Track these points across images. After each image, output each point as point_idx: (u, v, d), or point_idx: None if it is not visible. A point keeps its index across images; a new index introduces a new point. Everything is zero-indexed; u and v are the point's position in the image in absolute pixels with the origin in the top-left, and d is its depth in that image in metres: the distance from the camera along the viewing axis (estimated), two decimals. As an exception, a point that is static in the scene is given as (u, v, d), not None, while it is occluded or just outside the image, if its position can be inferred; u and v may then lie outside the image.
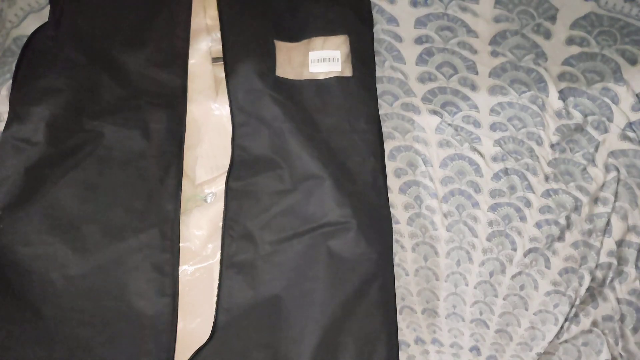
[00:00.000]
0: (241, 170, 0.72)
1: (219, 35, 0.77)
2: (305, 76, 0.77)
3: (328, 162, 0.70)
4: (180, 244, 0.69)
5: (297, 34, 0.78)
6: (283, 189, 0.71)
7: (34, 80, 0.70)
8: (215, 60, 0.78)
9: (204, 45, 0.77)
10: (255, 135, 0.73)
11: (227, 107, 0.75)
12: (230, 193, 0.71)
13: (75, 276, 0.63)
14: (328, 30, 0.78)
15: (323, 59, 0.77)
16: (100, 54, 0.72)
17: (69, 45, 0.72)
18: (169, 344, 0.65)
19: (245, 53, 0.75)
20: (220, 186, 0.74)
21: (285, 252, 0.68)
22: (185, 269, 0.71)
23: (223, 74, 0.77)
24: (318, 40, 0.78)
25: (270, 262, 0.68)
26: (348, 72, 0.77)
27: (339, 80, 0.76)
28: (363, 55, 0.78)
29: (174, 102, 0.73)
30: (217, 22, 0.77)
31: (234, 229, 0.69)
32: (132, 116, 0.71)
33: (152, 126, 0.71)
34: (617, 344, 0.77)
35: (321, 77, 0.77)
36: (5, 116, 0.71)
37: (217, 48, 0.78)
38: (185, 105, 0.73)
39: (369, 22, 0.79)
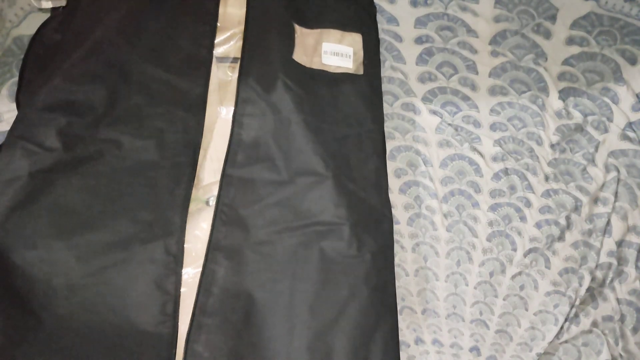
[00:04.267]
0: (238, 154, 0.71)
1: (222, 37, 0.77)
2: (316, 65, 0.77)
3: (331, 159, 0.70)
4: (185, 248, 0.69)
5: (311, 22, 0.78)
6: (280, 180, 0.70)
7: (47, 85, 0.69)
8: (219, 60, 0.78)
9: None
10: (260, 117, 0.71)
11: (232, 111, 0.74)
12: (226, 179, 0.70)
13: (77, 285, 0.63)
14: (343, 25, 0.78)
15: (336, 52, 0.77)
16: (119, 62, 0.72)
17: (86, 54, 0.70)
18: (169, 359, 0.64)
19: (267, 30, 0.74)
20: None
21: (275, 244, 0.68)
22: (187, 272, 0.70)
23: (227, 78, 0.77)
24: (334, 33, 0.78)
25: (259, 252, 0.68)
26: (360, 71, 0.77)
27: (349, 76, 0.76)
28: (372, 56, 0.79)
29: (192, 111, 0.72)
30: (222, 25, 0.77)
31: (225, 214, 0.69)
32: (148, 125, 0.70)
33: (167, 136, 0.70)
34: (617, 344, 0.77)
35: (332, 70, 0.77)
36: (6, 116, 0.71)
37: (222, 50, 0.78)
38: (203, 114, 0.73)
39: (375, 24, 0.80)
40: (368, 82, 0.77)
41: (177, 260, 0.67)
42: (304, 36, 0.77)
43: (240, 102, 0.72)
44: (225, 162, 0.71)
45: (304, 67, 0.75)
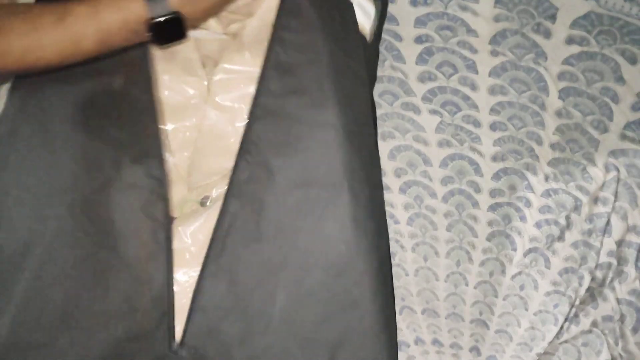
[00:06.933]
0: (273, 80, 0.60)
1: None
2: None
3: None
4: (177, 249, 0.67)
5: None
6: (317, 120, 0.61)
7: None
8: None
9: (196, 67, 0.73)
10: (305, 33, 0.60)
11: (223, 112, 0.73)
12: (257, 110, 0.60)
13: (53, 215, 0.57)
14: None
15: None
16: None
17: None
18: (164, 292, 0.59)
19: None
20: (218, 190, 0.73)
21: (301, 201, 0.59)
22: (183, 274, 0.70)
23: (217, 77, 0.74)
24: None
25: (282, 204, 0.59)
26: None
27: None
28: (378, 28, 0.73)
29: (144, 115, 0.63)
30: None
31: (251, 154, 0.61)
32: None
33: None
34: (617, 344, 0.77)
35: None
36: (4, 115, 0.71)
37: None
38: (155, 114, 0.63)
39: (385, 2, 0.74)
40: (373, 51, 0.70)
41: (161, 184, 0.61)
42: None
43: (283, 13, 0.60)
44: (258, 90, 0.60)
45: None
